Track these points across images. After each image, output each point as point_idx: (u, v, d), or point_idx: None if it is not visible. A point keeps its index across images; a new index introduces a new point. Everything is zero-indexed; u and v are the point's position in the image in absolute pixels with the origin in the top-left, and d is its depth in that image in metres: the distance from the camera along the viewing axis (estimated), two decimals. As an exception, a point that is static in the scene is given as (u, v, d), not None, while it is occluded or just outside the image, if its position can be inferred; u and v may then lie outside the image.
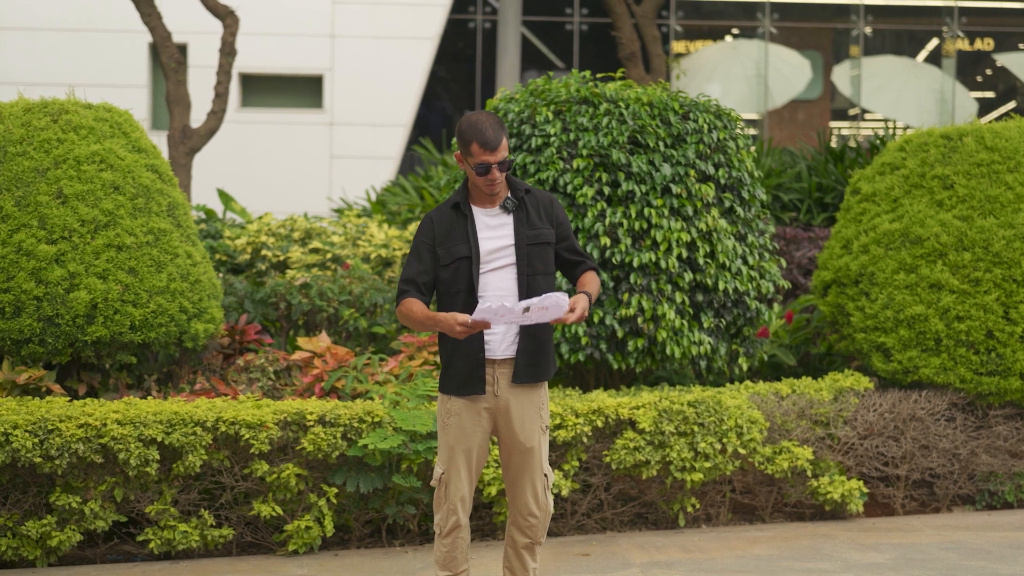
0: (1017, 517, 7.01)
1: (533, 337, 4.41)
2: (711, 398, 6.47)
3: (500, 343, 4.40)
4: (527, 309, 4.13)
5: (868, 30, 20.32)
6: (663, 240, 6.71)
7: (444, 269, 4.41)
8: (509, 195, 4.47)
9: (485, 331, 4.38)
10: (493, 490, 6.08)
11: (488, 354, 4.40)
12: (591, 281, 4.52)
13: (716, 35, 21.02)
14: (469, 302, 4.37)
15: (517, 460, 4.50)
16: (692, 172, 6.85)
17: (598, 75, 7.75)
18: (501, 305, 4.10)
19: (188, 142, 10.21)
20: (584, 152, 6.76)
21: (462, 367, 4.41)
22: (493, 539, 6.32)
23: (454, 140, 4.56)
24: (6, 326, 6.24)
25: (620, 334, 6.68)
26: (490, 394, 4.42)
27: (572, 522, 6.49)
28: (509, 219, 4.45)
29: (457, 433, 4.46)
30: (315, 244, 9.07)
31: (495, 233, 4.43)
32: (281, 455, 5.99)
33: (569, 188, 6.74)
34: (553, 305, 4.17)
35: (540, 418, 4.49)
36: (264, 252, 9.10)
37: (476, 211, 4.47)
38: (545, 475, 4.53)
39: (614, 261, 6.70)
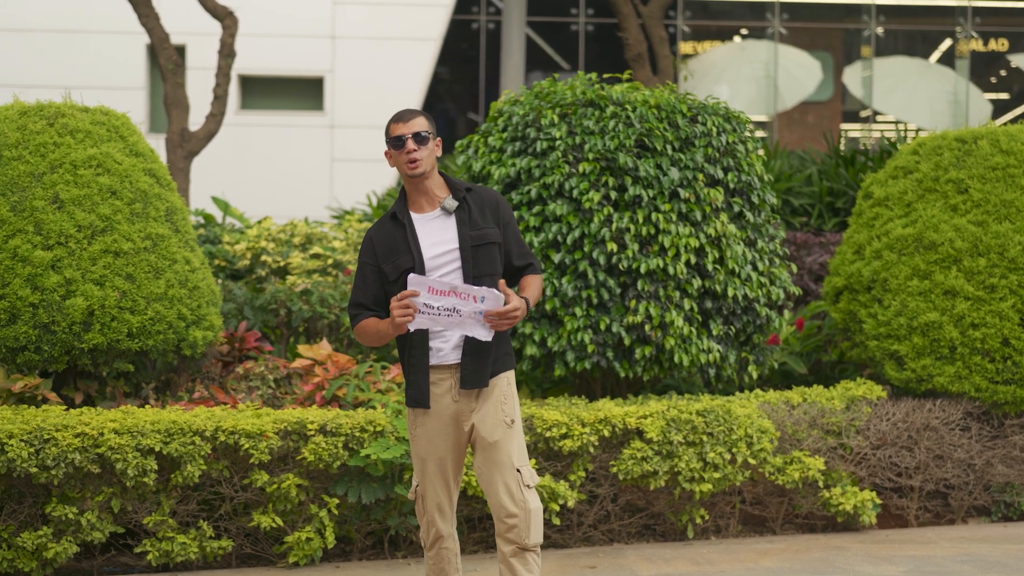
0: (1033, 528, 6.91)
1: (474, 343, 4.28)
2: (720, 407, 6.37)
3: (448, 349, 4.30)
4: (454, 288, 4.10)
5: (880, 30, 20.21)
6: (671, 246, 6.60)
7: (393, 284, 4.31)
8: (449, 195, 4.37)
9: (430, 339, 4.29)
10: (497, 501, 5.97)
11: (438, 359, 4.30)
12: (532, 284, 4.45)
13: (724, 36, 20.92)
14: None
15: (483, 458, 4.32)
16: (700, 176, 6.75)
17: (604, 76, 7.67)
18: (432, 278, 4.13)
19: (187, 145, 10.11)
20: (590, 156, 6.65)
21: (417, 378, 4.32)
22: (495, 550, 6.21)
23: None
24: (1, 334, 6.14)
25: (627, 342, 6.57)
26: (449, 400, 4.32)
27: (578, 534, 6.39)
28: (451, 221, 4.33)
29: (425, 443, 4.36)
30: (316, 249, 8.97)
31: (437, 238, 4.32)
32: (281, 465, 5.91)
33: (575, 192, 6.64)
34: (491, 299, 4.12)
35: (502, 411, 4.32)
36: (264, 258, 9.00)
37: (415, 217, 4.36)
38: (518, 470, 4.31)
39: (621, 267, 6.59)
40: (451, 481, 4.41)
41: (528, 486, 4.31)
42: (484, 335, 4.18)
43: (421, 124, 4.36)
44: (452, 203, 4.33)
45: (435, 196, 4.38)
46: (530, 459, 6.04)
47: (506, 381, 4.38)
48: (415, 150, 4.31)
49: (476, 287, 4.13)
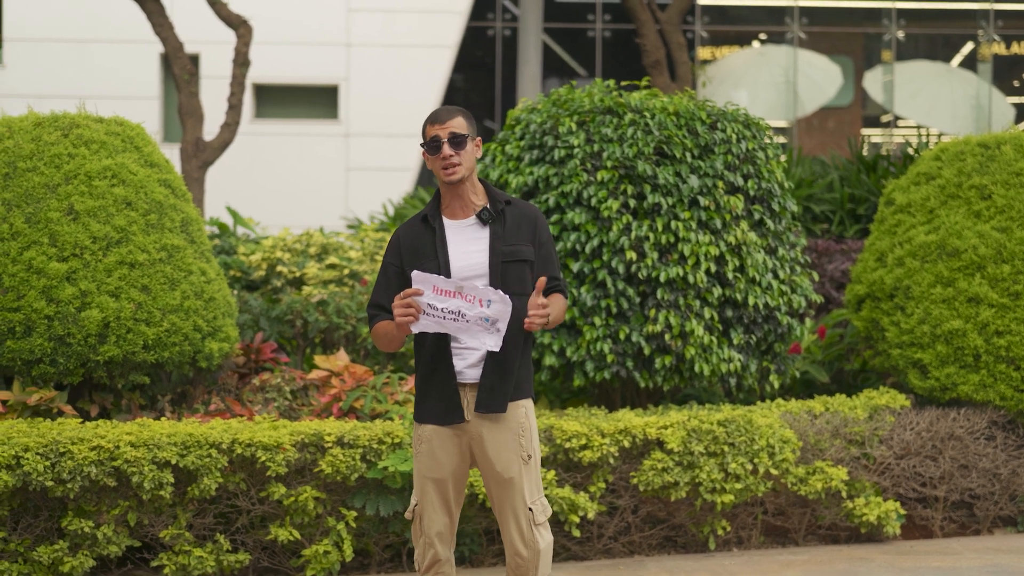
0: (1060, 539, 6.82)
1: (498, 362, 4.08)
2: (742, 417, 6.30)
3: (470, 367, 4.11)
4: (460, 289, 3.89)
5: (900, 34, 20.10)
6: (691, 254, 6.54)
7: None
8: (487, 206, 4.16)
9: (454, 356, 4.10)
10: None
11: (459, 379, 4.12)
12: (555, 302, 4.18)
13: (743, 41, 20.84)
14: None
15: (496, 492, 4.18)
16: (720, 184, 6.68)
17: (622, 83, 7.63)
18: (437, 276, 3.90)
19: (201, 155, 10.09)
20: (609, 164, 6.59)
21: (438, 394, 4.13)
22: (517, 564, 6.17)
23: None
24: (16, 346, 6.10)
25: (647, 351, 6.50)
26: (460, 421, 4.13)
27: (599, 546, 6.33)
28: (484, 232, 4.12)
29: (428, 461, 4.17)
30: (332, 260, 8.92)
31: (468, 248, 4.11)
32: (298, 478, 5.86)
33: (593, 201, 6.58)
34: (499, 303, 3.91)
35: (519, 446, 4.15)
36: (279, 268, 8.96)
37: (448, 223, 4.16)
38: (530, 509, 4.16)
39: (640, 276, 6.52)
40: (452, 505, 4.21)
41: (539, 524, 4.18)
42: (492, 344, 3.97)
43: (458, 124, 4.10)
44: (488, 213, 4.10)
45: (471, 203, 4.17)
46: (549, 471, 5.98)
47: (524, 411, 4.19)
48: (452, 155, 4.08)
49: (483, 288, 3.91)
